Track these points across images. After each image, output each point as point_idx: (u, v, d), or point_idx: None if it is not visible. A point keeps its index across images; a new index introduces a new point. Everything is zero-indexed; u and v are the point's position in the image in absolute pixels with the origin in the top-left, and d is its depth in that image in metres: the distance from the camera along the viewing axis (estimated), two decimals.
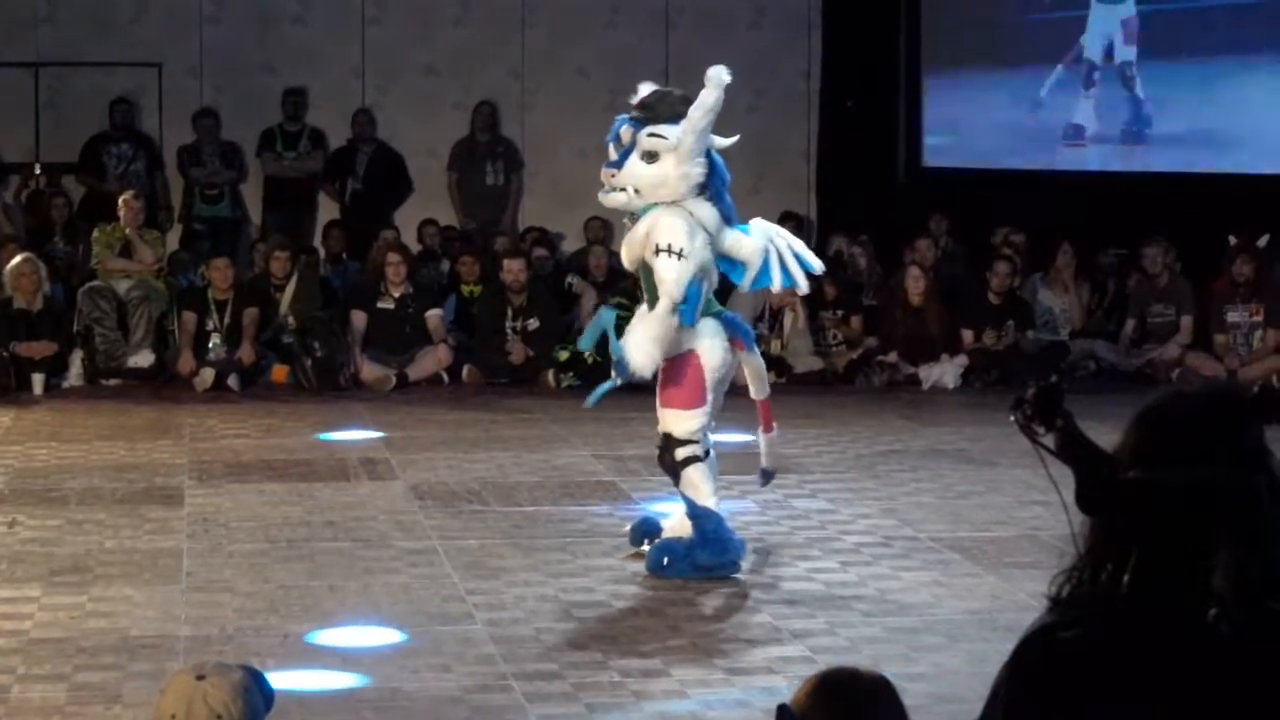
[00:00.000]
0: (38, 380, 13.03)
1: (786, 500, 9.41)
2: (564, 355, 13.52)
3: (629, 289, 11.91)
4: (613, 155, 8.11)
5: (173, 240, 15.75)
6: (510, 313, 13.88)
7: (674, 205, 7.96)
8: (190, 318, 13.58)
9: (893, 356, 13.93)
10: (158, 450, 10.85)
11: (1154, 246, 14.13)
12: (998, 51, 16.50)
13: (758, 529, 8.79)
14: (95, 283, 13.91)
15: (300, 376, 13.47)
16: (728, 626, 7.26)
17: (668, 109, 7.98)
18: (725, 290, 8.95)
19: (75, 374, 13.42)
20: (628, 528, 8.50)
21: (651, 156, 7.95)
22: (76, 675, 6.47)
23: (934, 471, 10.33)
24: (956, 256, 15.52)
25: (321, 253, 15.71)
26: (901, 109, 17.08)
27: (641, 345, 7.84)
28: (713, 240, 8.02)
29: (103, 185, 15.80)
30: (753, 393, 8.34)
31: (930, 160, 17.03)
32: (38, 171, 16.33)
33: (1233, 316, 13.77)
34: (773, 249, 8.18)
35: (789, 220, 13.71)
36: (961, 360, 13.76)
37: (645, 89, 8.14)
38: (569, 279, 14.92)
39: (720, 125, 8.02)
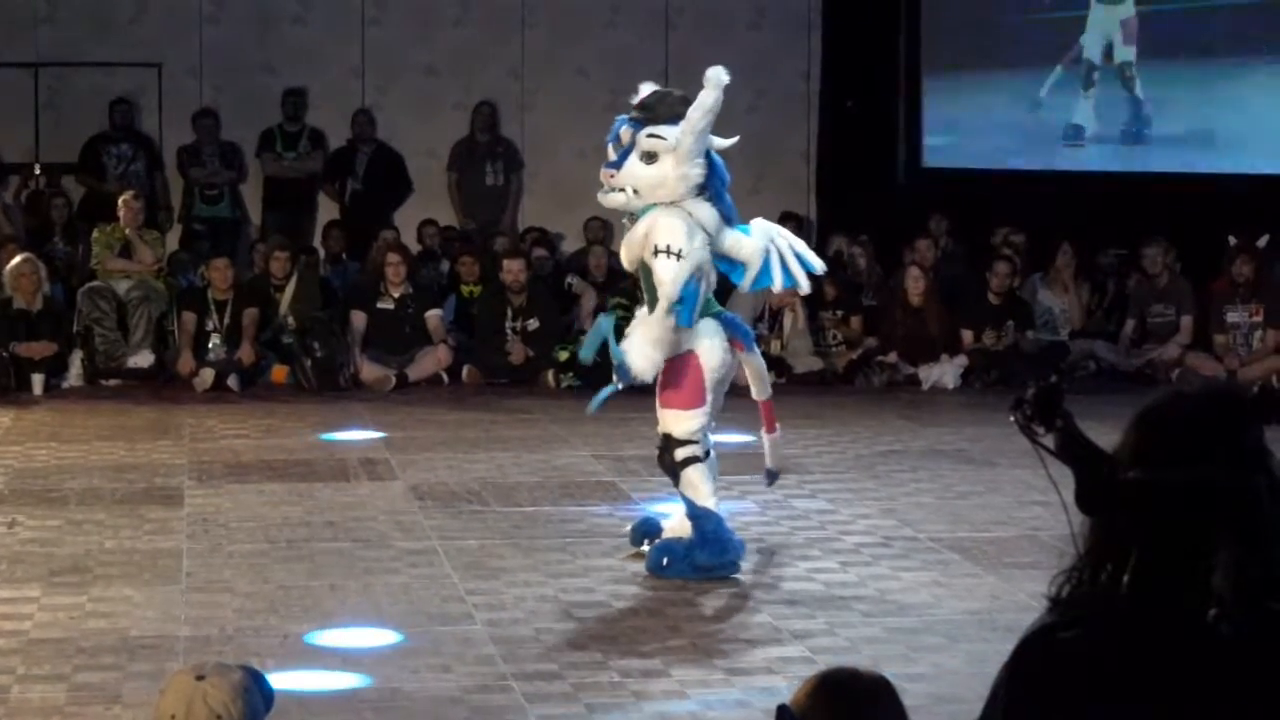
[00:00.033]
0: (37, 380, 13.03)
1: (786, 500, 9.41)
2: (564, 355, 13.52)
3: (629, 289, 11.91)
4: (612, 156, 8.11)
5: (172, 240, 15.75)
6: (510, 313, 13.88)
7: (673, 206, 7.97)
8: (190, 318, 13.59)
9: (892, 357, 13.93)
10: (157, 450, 10.85)
11: (1154, 247, 14.13)
12: (997, 52, 16.50)
13: (757, 529, 8.79)
14: (95, 283, 13.91)
15: (300, 377, 13.47)
16: (728, 627, 7.26)
17: (667, 110, 7.98)
18: (725, 290, 8.96)
19: (75, 374, 13.42)
20: (628, 528, 8.51)
21: (650, 157, 7.95)
22: (76, 675, 6.47)
23: (934, 472, 10.33)
24: (956, 257, 15.52)
25: (321, 253, 15.71)
26: (901, 109, 17.08)
27: (642, 349, 7.85)
28: (712, 241, 8.02)
29: (102, 185, 15.80)
30: (754, 393, 8.34)
31: (930, 160, 17.03)
32: (37, 172, 16.33)
33: (1232, 317, 13.77)
34: (773, 249, 8.18)
35: (789, 220, 13.70)
36: (961, 360, 13.76)
37: (646, 89, 8.15)
38: (569, 279, 14.92)
39: (720, 126, 8.02)
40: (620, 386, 7.98)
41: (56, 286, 14.10)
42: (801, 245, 8.38)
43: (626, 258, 8.23)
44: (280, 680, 5.77)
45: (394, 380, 13.49)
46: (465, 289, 14.62)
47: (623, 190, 8.05)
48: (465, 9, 16.96)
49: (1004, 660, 2.72)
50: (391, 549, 8.39)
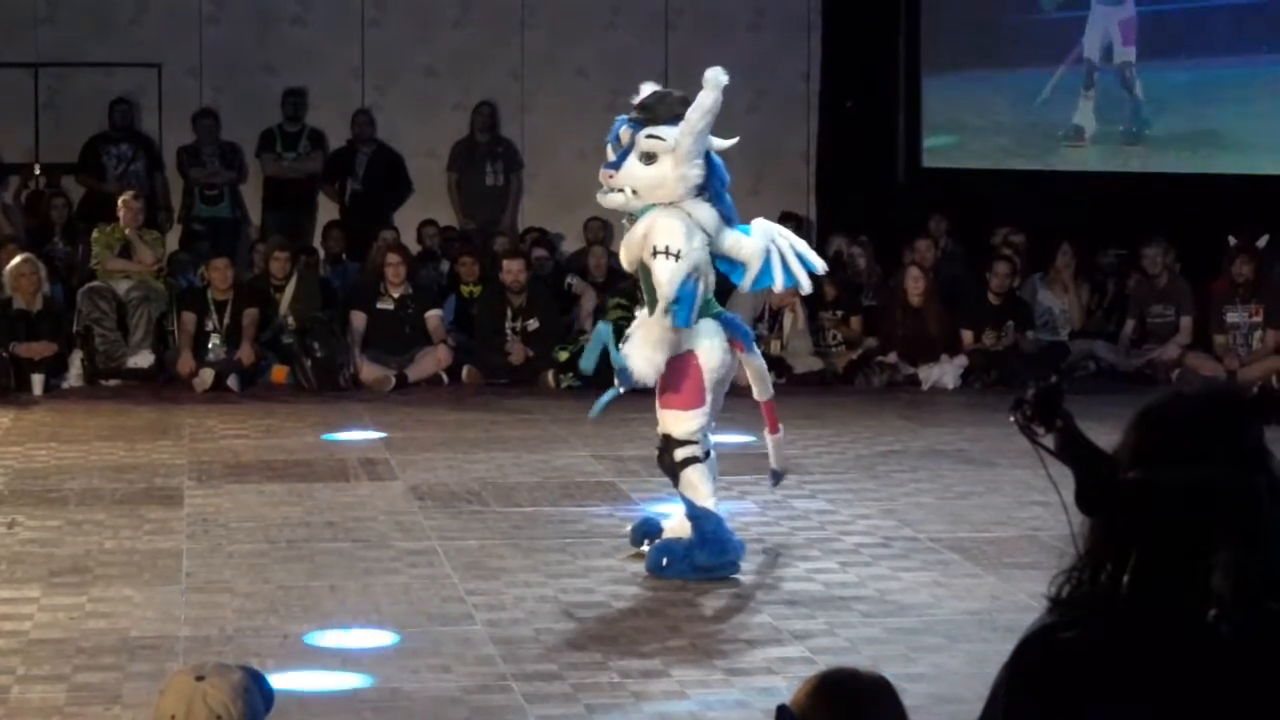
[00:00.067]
0: (37, 381, 13.03)
1: (786, 501, 9.41)
2: (564, 356, 13.51)
3: (628, 289, 11.92)
4: (611, 156, 8.12)
5: (172, 241, 15.75)
6: (510, 313, 13.88)
7: (672, 206, 7.97)
8: (190, 318, 13.59)
9: (892, 357, 13.93)
10: (157, 451, 10.85)
11: (1153, 247, 14.13)
12: (997, 52, 16.50)
13: (757, 530, 8.79)
14: (95, 283, 13.90)
15: (300, 377, 13.47)
16: (727, 627, 7.25)
17: (666, 110, 7.98)
18: (725, 291, 8.96)
19: (75, 374, 13.42)
20: (628, 528, 8.51)
21: (649, 158, 7.96)
22: (76, 676, 6.47)
23: (934, 472, 10.33)
24: (956, 257, 15.52)
25: (321, 253, 15.71)
26: (901, 110, 17.09)
27: (642, 351, 7.85)
28: (712, 241, 8.03)
29: (102, 186, 15.80)
30: (756, 394, 8.34)
31: (930, 161, 17.03)
32: (37, 172, 16.33)
33: (1232, 317, 13.77)
34: (774, 249, 8.18)
35: (789, 221, 13.68)
36: (961, 361, 13.76)
37: (646, 89, 8.15)
38: (569, 279, 14.92)
39: (720, 126, 8.02)
40: (622, 390, 7.98)
41: (56, 287, 14.10)
42: (802, 245, 8.38)
43: (626, 258, 8.23)
44: (280, 680, 5.77)
45: (394, 380, 13.49)
46: (465, 289, 14.62)
47: (622, 191, 8.05)
48: (465, 10, 16.96)
49: (1004, 660, 2.72)
50: (391, 549, 8.39)
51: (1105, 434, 2.85)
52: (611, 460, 10.48)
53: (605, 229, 15.11)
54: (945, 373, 13.69)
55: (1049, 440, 2.87)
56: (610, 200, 8.17)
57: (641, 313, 8.08)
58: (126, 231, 14.05)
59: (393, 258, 14.02)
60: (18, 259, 13.44)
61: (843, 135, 16.98)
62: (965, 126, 16.91)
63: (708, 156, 8.01)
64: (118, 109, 16.16)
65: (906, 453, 10.96)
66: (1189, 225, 14.34)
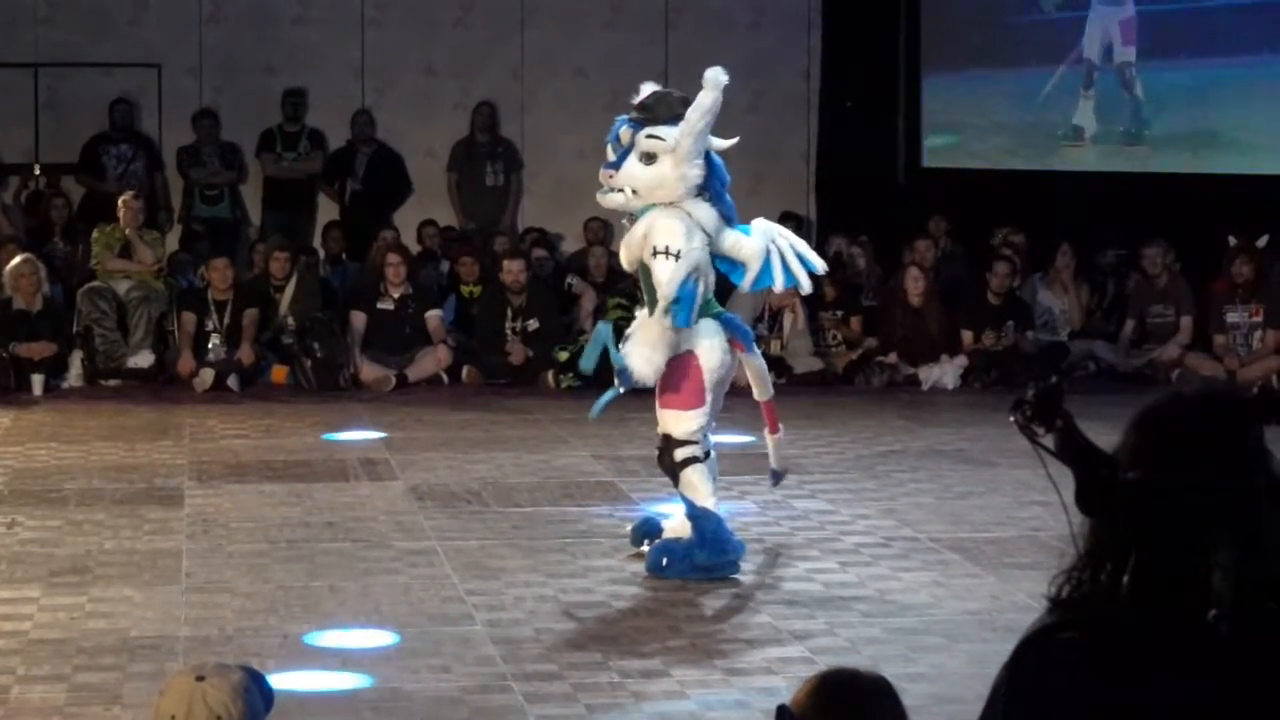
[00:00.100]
0: (37, 381, 13.03)
1: (786, 501, 9.41)
2: (563, 356, 13.51)
3: (629, 289, 11.92)
4: (611, 156, 8.12)
5: (172, 241, 15.74)
6: (510, 313, 13.88)
7: (672, 206, 7.97)
8: (190, 318, 13.59)
9: (892, 357, 13.93)
10: (157, 451, 10.85)
11: (1153, 247, 14.13)
12: (997, 52, 16.50)
13: (757, 530, 8.79)
14: (95, 283, 13.90)
15: (300, 377, 13.48)
16: (727, 627, 7.25)
17: (666, 110, 7.98)
18: (725, 291, 8.96)
19: (75, 375, 13.42)
20: (628, 528, 8.51)
21: (649, 158, 7.96)
22: (76, 676, 6.48)
23: (933, 472, 10.33)
24: (956, 257, 15.52)
25: (321, 253, 15.72)
26: (901, 109, 17.09)
27: (642, 352, 7.85)
28: (712, 241, 8.03)
29: (102, 186, 15.80)
30: (756, 394, 8.34)
31: (930, 161, 17.03)
32: (37, 172, 16.33)
33: (1232, 317, 13.77)
34: (774, 249, 8.18)
35: (788, 220, 13.69)
36: (961, 361, 13.76)
37: (648, 89, 8.15)
38: (569, 280, 14.92)
39: (720, 126, 8.02)
40: (622, 390, 7.98)
41: (56, 287, 14.10)
42: (803, 245, 8.38)
43: (626, 258, 8.24)
44: (280, 681, 5.78)
45: (394, 381, 13.50)
46: (465, 289, 14.62)
47: (621, 191, 8.06)
48: (465, 9, 16.96)
49: (1004, 660, 2.72)
50: (391, 549, 8.39)
51: (1105, 434, 2.85)
52: (611, 460, 10.48)
53: (605, 229, 15.11)
54: (945, 373, 13.69)
55: (1049, 440, 2.87)
56: (610, 200, 8.18)
57: (642, 313, 8.08)
58: (126, 232, 14.05)
59: (393, 258, 14.02)
60: (18, 259, 13.44)
61: (843, 135, 16.98)
62: (965, 126, 16.91)
63: (708, 156, 8.01)
64: (117, 109, 16.16)
65: (906, 453, 10.96)
66: (1189, 225, 14.35)
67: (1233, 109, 14.83)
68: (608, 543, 8.52)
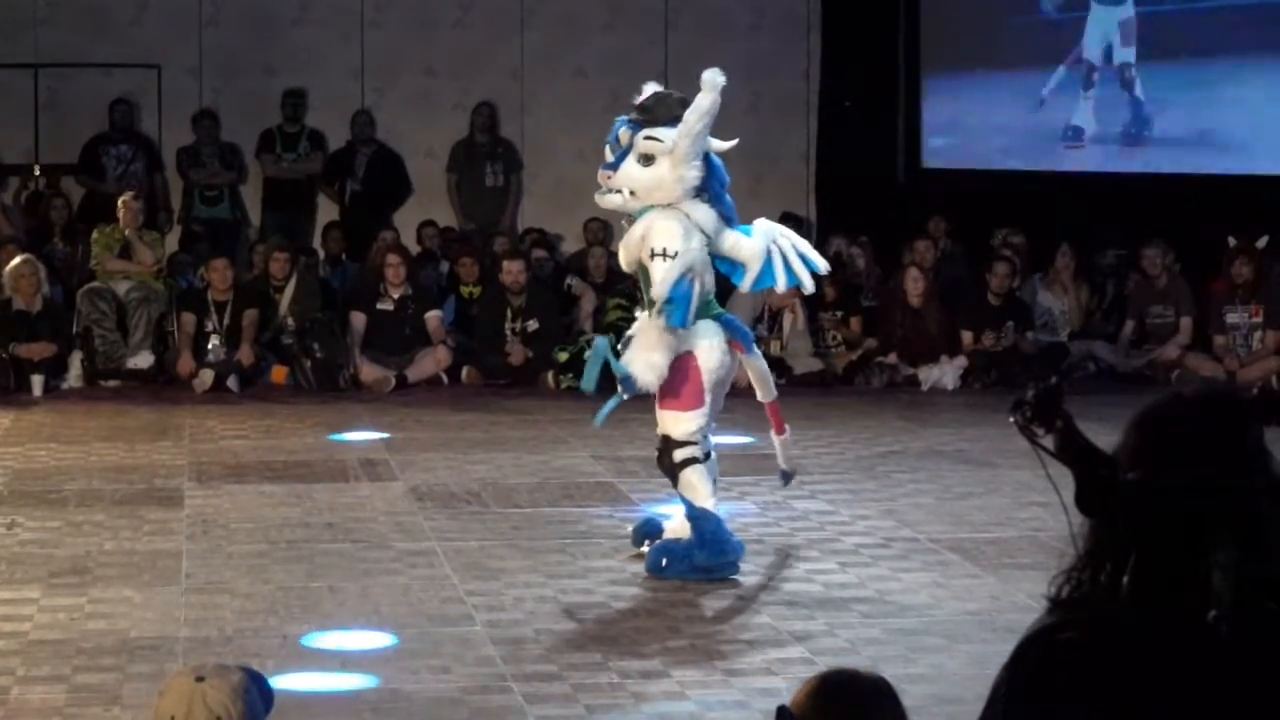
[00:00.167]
0: (37, 382, 13.03)
1: (786, 502, 9.40)
2: (563, 356, 13.52)
3: (628, 290, 11.92)
4: (609, 157, 8.12)
5: (172, 241, 15.74)
6: (509, 314, 13.88)
7: (670, 208, 7.97)
8: (189, 319, 13.59)
9: (892, 358, 13.93)
10: (157, 451, 10.85)
11: (1153, 248, 14.14)
12: (997, 53, 16.50)
13: (757, 530, 8.79)
14: (94, 284, 13.91)
15: (299, 378, 13.48)
16: (727, 628, 7.25)
17: (665, 112, 7.98)
18: (725, 291, 8.96)
19: (75, 375, 13.42)
20: (628, 529, 8.51)
21: (647, 159, 7.96)
22: (76, 677, 6.47)
23: (933, 473, 10.33)
24: (956, 258, 15.52)
25: (321, 254, 15.72)
26: (901, 110, 17.09)
27: (644, 357, 7.85)
28: (711, 242, 8.03)
29: (102, 186, 15.80)
30: (759, 396, 8.33)
31: (929, 161, 17.03)
32: (37, 173, 16.33)
33: (1232, 318, 13.77)
34: (775, 249, 8.17)
35: (788, 221, 13.68)
36: (961, 361, 13.76)
37: (649, 89, 8.15)
38: (568, 280, 14.92)
39: (720, 126, 8.02)
40: (626, 397, 7.98)
41: (56, 288, 14.10)
42: (805, 245, 8.38)
43: (624, 259, 8.24)
44: (280, 681, 5.78)
45: (393, 381, 13.50)
46: (465, 290, 14.62)
47: (619, 192, 8.06)
48: (465, 10, 16.96)
49: (1004, 661, 2.72)
50: (391, 550, 8.39)
51: (1105, 434, 2.85)
52: (611, 461, 10.48)
53: (605, 230, 15.11)
54: (945, 373, 13.69)
55: (1049, 441, 2.87)
56: (608, 201, 8.18)
57: (642, 316, 8.08)
58: (126, 232, 14.05)
59: (392, 258, 14.02)
60: (17, 260, 13.44)
61: (842, 135, 16.98)
62: (965, 127, 16.91)
63: (706, 157, 8.01)
64: (117, 110, 16.16)
65: (906, 453, 10.96)
66: (1188, 226, 14.35)
67: (1233, 109, 14.83)
68: (607, 543, 8.52)
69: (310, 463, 10.53)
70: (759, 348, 8.61)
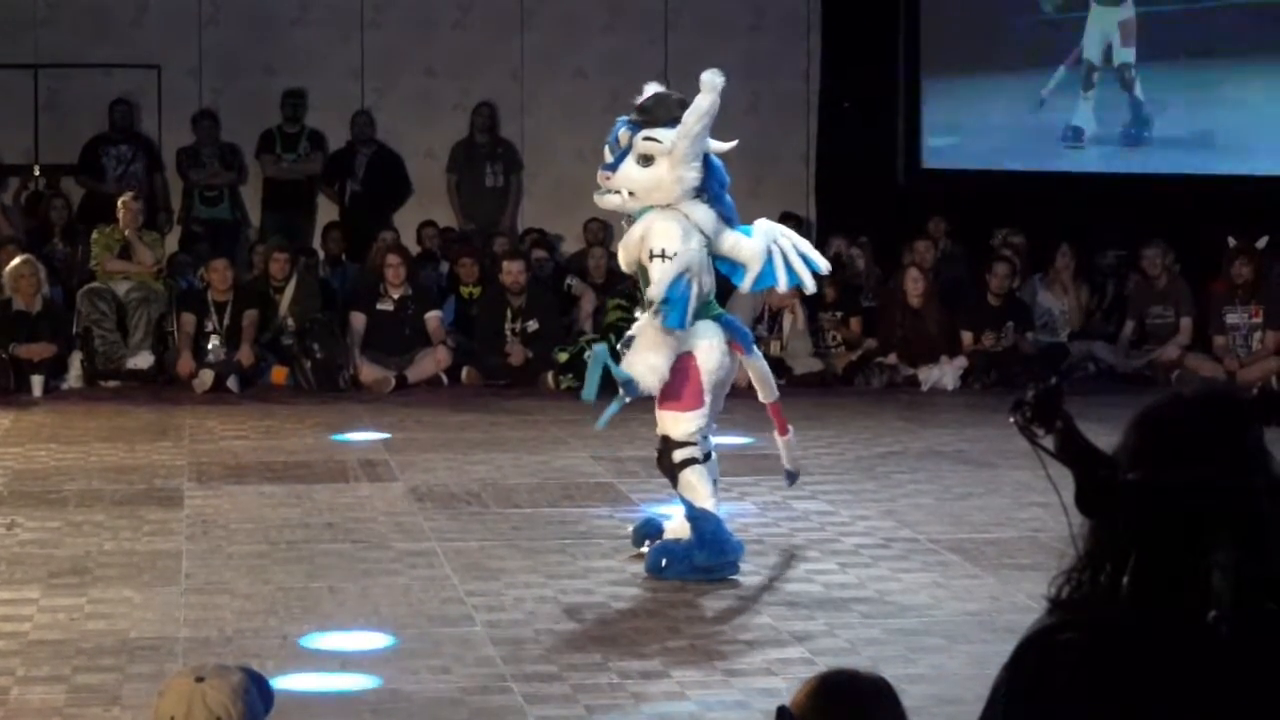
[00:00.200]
0: (37, 382, 13.03)
1: (786, 502, 9.40)
2: (563, 357, 13.52)
3: (628, 290, 11.92)
4: (608, 158, 8.12)
5: (172, 242, 15.74)
6: (509, 314, 13.88)
7: (669, 209, 7.97)
8: (189, 319, 13.59)
9: (892, 358, 13.93)
10: (157, 452, 10.85)
11: (1153, 248, 14.14)
12: (997, 54, 16.50)
13: (757, 531, 8.79)
14: (94, 284, 13.91)
15: (299, 378, 13.48)
16: (727, 628, 7.25)
17: (665, 113, 7.98)
18: (726, 292, 8.95)
19: (74, 376, 13.42)
20: (628, 529, 8.51)
21: (646, 160, 7.96)
22: (75, 677, 6.47)
23: (933, 473, 10.33)
24: (956, 258, 15.52)
25: (321, 254, 15.72)
26: (901, 111, 17.08)
27: (645, 359, 7.85)
28: (710, 242, 8.02)
29: (102, 187, 15.80)
30: (761, 397, 8.31)
31: (929, 162, 17.03)
32: (37, 173, 16.33)
33: (1232, 318, 13.78)
34: (776, 249, 8.17)
35: (788, 221, 13.67)
36: (961, 362, 13.76)
37: (650, 89, 8.15)
38: (568, 281, 14.92)
39: (719, 127, 8.02)
40: (628, 400, 7.97)
41: (56, 288, 14.10)
42: (806, 245, 8.38)
43: (624, 260, 8.24)
44: (280, 682, 5.78)
45: (393, 382, 13.50)
46: (465, 290, 14.62)
47: (618, 193, 8.07)
48: (465, 10, 16.96)
49: (1004, 661, 2.72)
50: (391, 550, 8.39)
51: (1105, 435, 2.85)
52: (611, 461, 10.48)
53: (605, 230, 15.11)
54: (945, 374, 13.70)
55: (1049, 441, 2.87)
56: (607, 201, 8.19)
57: (642, 317, 8.08)
58: (126, 233, 14.05)
59: (392, 259, 14.03)
60: (17, 260, 13.44)
61: (842, 136, 16.98)
62: (965, 127, 16.91)
63: (706, 158, 8.01)
64: (117, 110, 16.16)
65: (906, 454, 10.96)
66: (1188, 226, 14.36)
67: (1232, 110, 14.83)
68: (607, 544, 8.52)
69: (310, 463, 10.53)
70: (759, 348, 8.60)
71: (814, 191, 17.29)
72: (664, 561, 7.92)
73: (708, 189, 8.02)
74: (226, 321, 13.56)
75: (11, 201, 16.31)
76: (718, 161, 8.14)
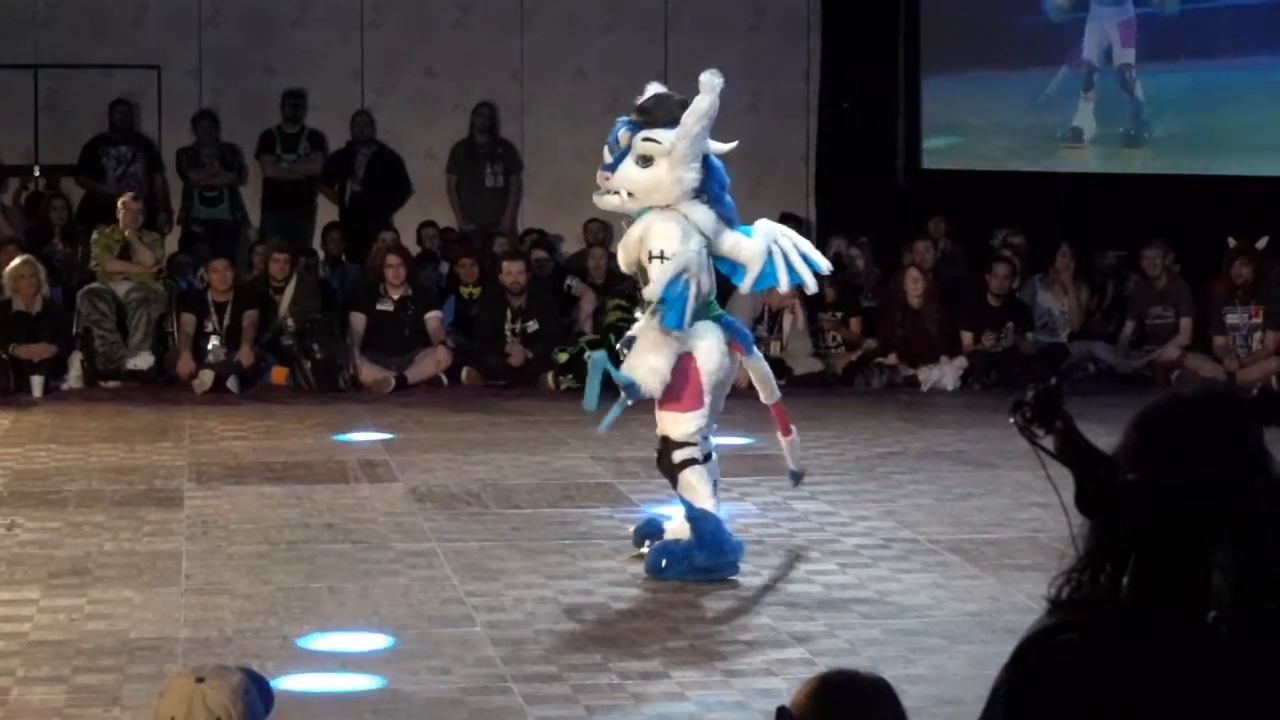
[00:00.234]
0: (37, 382, 13.03)
1: (786, 503, 9.40)
2: (563, 357, 13.52)
3: (628, 290, 11.91)
4: (608, 158, 8.12)
5: (172, 242, 15.74)
6: (509, 315, 13.88)
7: (668, 209, 7.97)
8: (189, 320, 13.59)
9: (892, 358, 13.93)
10: (157, 452, 10.85)
11: (1153, 248, 14.14)
12: (997, 54, 16.51)
13: (757, 531, 8.79)
14: (94, 285, 13.91)
15: (299, 378, 13.48)
16: (727, 628, 7.25)
17: (665, 113, 7.99)
18: (726, 292, 8.95)
19: (74, 376, 13.42)
20: (628, 530, 8.51)
21: (645, 161, 7.96)
22: (75, 677, 6.47)
23: (933, 473, 10.33)
24: (955, 258, 15.52)
25: (321, 255, 15.72)
26: (901, 111, 17.09)
27: (645, 362, 7.85)
28: (710, 243, 8.02)
29: (102, 187, 15.80)
30: (763, 398, 8.31)
31: (929, 162, 17.04)
32: (37, 174, 16.33)
33: (1232, 318, 13.78)
34: (777, 249, 8.17)
35: (788, 222, 13.66)
36: (960, 362, 13.76)
37: (652, 89, 8.15)
38: (568, 281, 14.92)
39: (719, 127, 8.02)
40: (630, 402, 7.97)
41: (56, 289, 14.10)
42: (806, 245, 8.38)
43: (623, 260, 8.24)
44: (280, 682, 5.78)
45: (393, 382, 13.50)
46: (465, 291, 14.62)
47: (617, 193, 8.07)
48: (465, 10, 16.96)
49: (1004, 662, 2.72)
50: (391, 551, 8.39)
51: (1105, 435, 2.85)
52: (611, 462, 10.48)
53: (605, 231, 15.11)
54: (945, 374, 13.69)
55: (1049, 442, 2.87)
56: (606, 202, 8.19)
57: (642, 319, 8.07)
58: (126, 233, 14.05)
59: (392, 259, 14.03)
60: (17, 260, 13.44)
61: (842, 137, 16.98)
62: (965, 128, 16.91)
63: (706, 159, 8.01)
64: (117, 110, 16.16)
65: (906, 454, 10.96)
66: (1188, 227, 14.36)
67: (1232, 110, 14.83)
68: (607, 544, 8.52)
69: (310, 464, 10.53)
70: (759, 348, 8.60)
71: (814, 192, 17.29)
72: (664, 562, 7.92)
73: (707, 190, 8.02)
74: (226, 322, 13.56)
75: (11, 202, 16.32)
76: (717, 162, 8.14)
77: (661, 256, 7.85)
